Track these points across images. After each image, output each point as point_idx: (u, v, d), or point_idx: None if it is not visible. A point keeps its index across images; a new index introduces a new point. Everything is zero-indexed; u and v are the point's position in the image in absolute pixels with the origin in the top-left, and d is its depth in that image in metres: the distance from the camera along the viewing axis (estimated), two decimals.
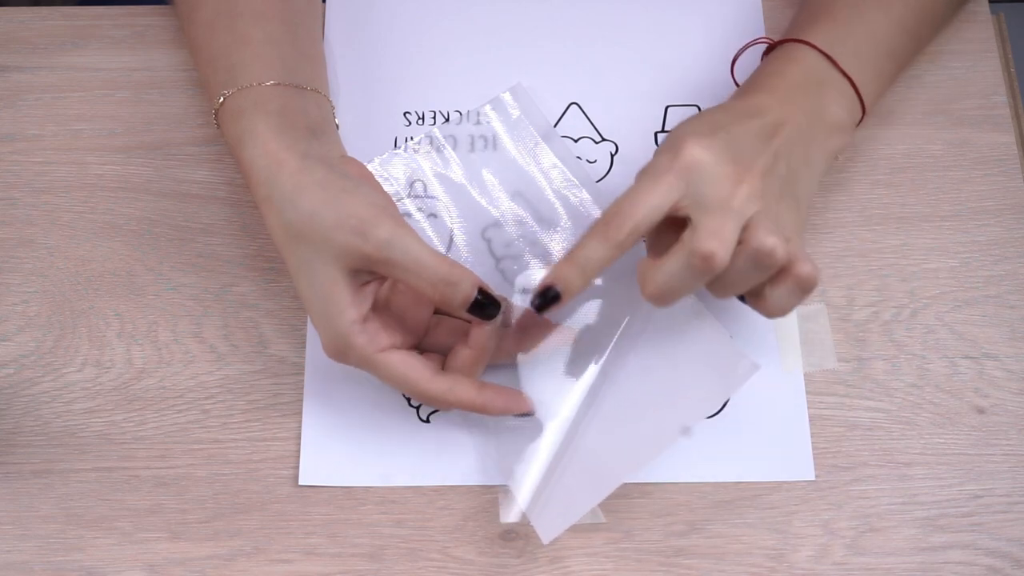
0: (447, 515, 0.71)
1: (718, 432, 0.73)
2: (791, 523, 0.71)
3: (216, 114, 0.72)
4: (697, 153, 0.64)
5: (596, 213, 0.78)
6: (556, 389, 0.70)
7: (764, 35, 0.81)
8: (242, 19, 0.74)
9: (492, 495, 0.72)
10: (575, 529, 0.70)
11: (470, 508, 0.71)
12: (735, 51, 0.84)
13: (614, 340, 0.71)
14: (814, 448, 0.72)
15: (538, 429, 0.70)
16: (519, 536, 0.70)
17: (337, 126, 0.75)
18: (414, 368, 0.67)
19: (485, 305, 0.67)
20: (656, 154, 0.66)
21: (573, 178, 0.79)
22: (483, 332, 0.68)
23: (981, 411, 0.73)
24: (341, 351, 0.68)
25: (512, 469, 0.69)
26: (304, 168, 0.68)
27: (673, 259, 0.63)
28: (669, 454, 0.72)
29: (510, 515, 0.69)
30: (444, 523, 0.71)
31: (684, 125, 0.67)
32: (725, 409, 0.73)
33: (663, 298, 0.65)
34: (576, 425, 0.70)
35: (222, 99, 0.72)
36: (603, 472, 0.69)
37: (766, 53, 0.75)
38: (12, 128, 0.82)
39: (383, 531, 0.71)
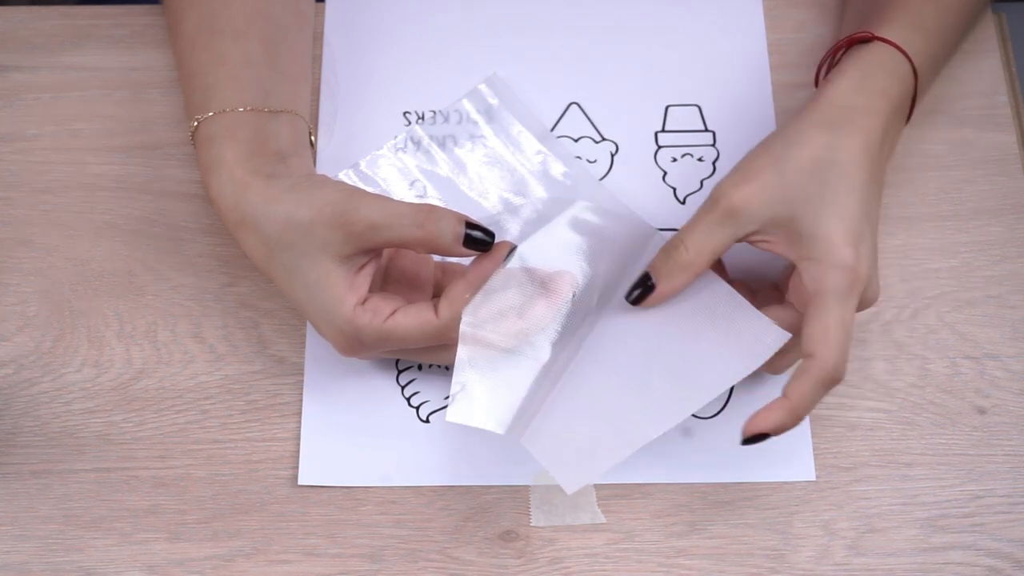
0: (447, 515, 0.71)
1: (718, 432, 0.72)
2: (792, 524, 0.70)
3: (192, 136, 0.73)
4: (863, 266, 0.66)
5: (585, 190, 0.78)
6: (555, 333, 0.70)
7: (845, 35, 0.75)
8: (222, 36, 0.74)
9: (492, 495, 0.71)
10: (575, 529, 0.70)
11: (470, 508, 0.71)
12: (735, 51, 0.84)
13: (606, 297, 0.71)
14: (814, 448, 0.72)
15: (532, 370, 0.69)
16: (519, 536, 0.70)
17: (313, 144, 0.76)
18: (421, 312, 0.68)
19: (477, 237, 0.68)
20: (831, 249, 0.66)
21: (556, 160, 0.79)
22: (485, 265, 0.69)
23: (982, 411, 0.73)
24: (354, 339, 0.68)
25: (523, 422, 0.68)
26: (270, 184, 0.69)
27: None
28: (669, 454, 0.72)
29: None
30: (444, 523, 0.71)
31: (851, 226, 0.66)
32: (725, 409, 0.73)
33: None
34: (580, 373, 0.69)
35: (196, 124, 0.72)
36: (623, 426, 0.67)
37: (840, 49, 0.73)
38: (11, 128, 0.81)
39: (383, 531, 0.71)
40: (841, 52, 0.73)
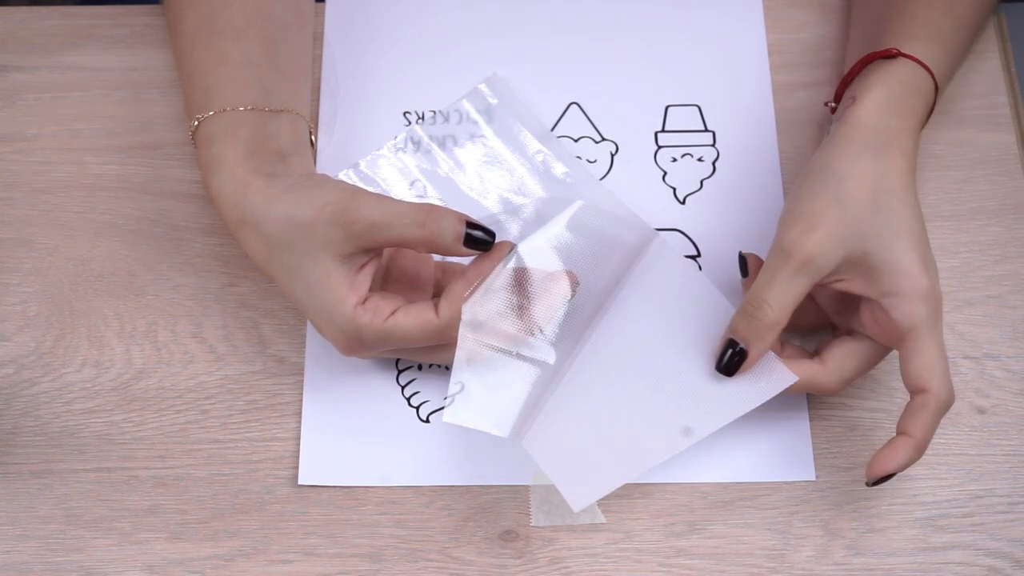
0: (447, 515, 0.71)
1: (718, 432, 0.72)
2: (791, 523, 0.70)
3: (193, 136, 0.73)
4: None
5: (585, 190, 0.78)
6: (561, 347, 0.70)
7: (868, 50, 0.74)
8: (222, 36, 0.74)
9: (492, 495, 0.71)
10: (575, 529, 0.70)
11: (470, 508, 0.71)
12: (735, 51, 0.84)
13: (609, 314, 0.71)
14: (814, 448, 0.72)
15: (540, 379, 0.69)
16: (519, 536, 0.70)
17: (313, 143, 0.76)
18: (422, 312, 0.68)
19: (478, 237, 0.68)
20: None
21: (556, 160, 0.79)
22: (484, 264, 0.69)
23: (982, 411, 0.73)
24: (355, 338, 0.68)
25: (527, 430, 0.68)
26: (271, 184, 0.69)
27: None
28: None
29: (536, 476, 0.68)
30: (444, 523, 0.71)
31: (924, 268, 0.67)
32: None
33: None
34: (584, 380, 0.69)
35: (196, 123, 0.72)
36: (630, 445, 0.68)
37: (860, 64, 0.73)
38: (11, 128, 0.81)
39: (383, 531, 0.71)
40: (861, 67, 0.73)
